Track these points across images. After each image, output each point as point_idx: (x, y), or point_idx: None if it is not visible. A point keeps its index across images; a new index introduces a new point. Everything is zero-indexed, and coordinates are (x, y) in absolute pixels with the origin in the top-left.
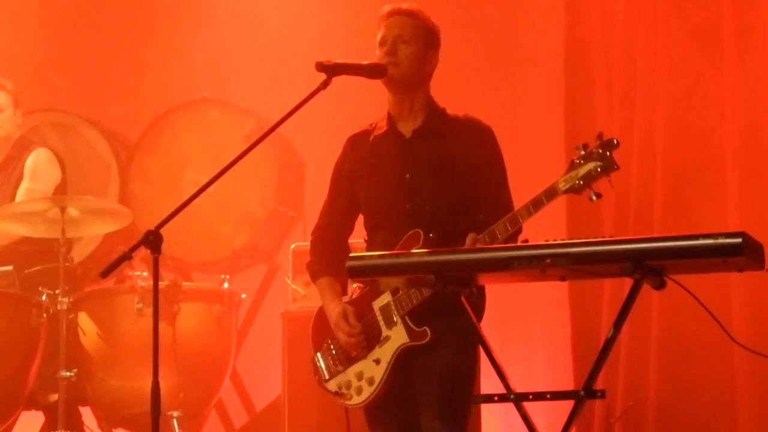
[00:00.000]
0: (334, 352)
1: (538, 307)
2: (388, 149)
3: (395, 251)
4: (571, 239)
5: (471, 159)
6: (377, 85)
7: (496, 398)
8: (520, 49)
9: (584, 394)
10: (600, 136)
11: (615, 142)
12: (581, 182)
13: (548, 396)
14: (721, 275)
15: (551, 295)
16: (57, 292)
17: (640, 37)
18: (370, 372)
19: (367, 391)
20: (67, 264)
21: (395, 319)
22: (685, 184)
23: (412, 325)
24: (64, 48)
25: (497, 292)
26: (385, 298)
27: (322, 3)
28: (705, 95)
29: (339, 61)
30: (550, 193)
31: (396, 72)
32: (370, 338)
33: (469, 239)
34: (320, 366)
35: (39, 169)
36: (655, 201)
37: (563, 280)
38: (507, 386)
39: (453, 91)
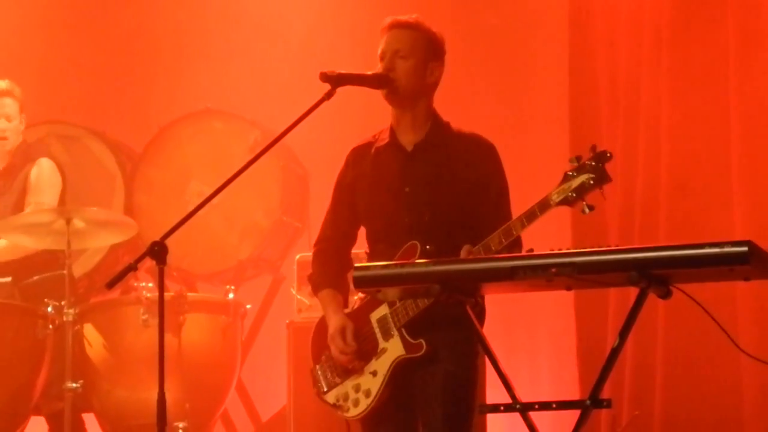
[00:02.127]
0: (332, 364)
1: (544, 317)
2: (389, 162)
3: (398, 261)
4: (577, 248)
5: (472, 174)
6: (381, 95)
7: (501, 408)
8: (525, 61)
9: (590, 403)
10: (593, 148)
11: (608, 154)
12: (574, 194)
13: (554, 406)
14: (727, 284)
15: (557, 305)
16: (63, 303)
17: (645, 48)
18: (367, 384)
19: (364, 404)
20: (65, 273)
21: (392, 331)
22: (691, 194)
23: (408, 338)
24: (69, 59)
25: (502, 301)
26: (383, 310)
27: (326, 14)
28: (710, 105)
29: (343, 71)
30: (543, 205)
31: (394, 87)
32: (368, 350)
33: (464, 251)
34: (319, 378)
35: (44, 181)
36: (660, 210)
37: (569, 289)
38: (513, 396)
39: (457, 102)
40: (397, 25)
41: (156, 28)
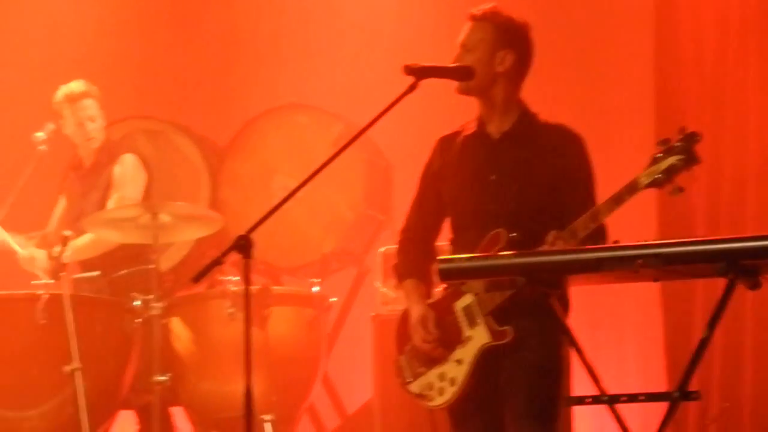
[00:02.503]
0: (416, 354)
1: (630, 308)
2: (476, 150)
3: (483, 253)
4: (663, 239)
5: (558, 165)
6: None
7: (588, 400)
8: (609, 50)
9: (678, 395)
10: (682, 129)
11: (697, 135)
12: (663, 176)
13: (642, 397)
14: None
15: (643, 296)
16: (150, 297)
17: (731, 35)
18: (452, 373)
19: (449, 392)
20: (152, 267)
21: (477, 319)
22: None
23: (494, 325)
24: (153, 55)
25: (588, 293)
26: (468, 299)
27: (411, 6)
28: None
29: (426, 64)
30: (631, 188)
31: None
32: (452, 339)
33: (550, 236)
34: (403, 368)
35: (127, 176)
36: (747, 200)
37: (655, 280)
38: (599, 388)
39: (541, 93)
40: (470, 18)
41: (240, 23)
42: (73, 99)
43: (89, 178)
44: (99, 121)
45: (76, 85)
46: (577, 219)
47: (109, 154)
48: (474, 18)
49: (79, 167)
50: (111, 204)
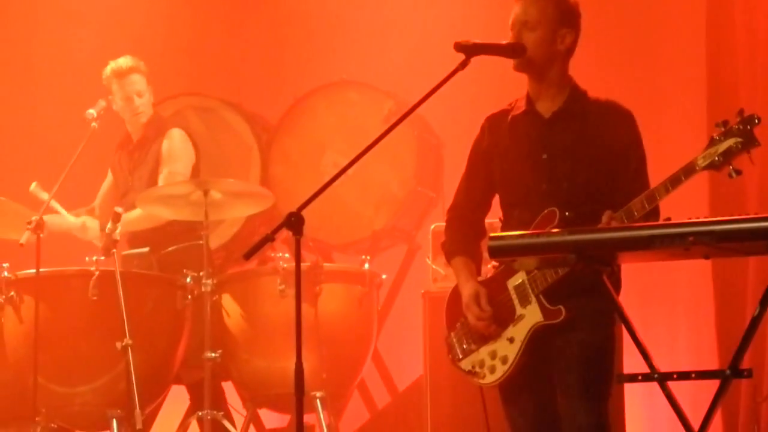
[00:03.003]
0: (467, 331)
1: (682, 286)
2: (527, 129)
3: (534, 231)
4: (715, 217)
5: (609, 142)
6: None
7: (639, 377)
8: (661, 30)
9: (730, 373)
10: (741, 112)
11: (756, 117)
12: (721, 158)
13: (693, 375)
14: None
15: (694, 274)
16: (201, 274)
17: None
18: (504, 351)
19: (501, 370)
20: (202, 243)
21: (530, 298)
22: None
23: (546, 304)
24: (204, 32)
25: (639, 270)
26: (520, 277)
27: None
28: None
29: (477, 41)
30: (689, 170)
31: (525, 57)
32: (504, 317)
33: (606, 216)
34: (454, 345)
35: (176, 150)
36: None
37: (707, 258)
38: (651, 365)
39: (592, 71)
40: None
41: (291, 0)
42: (120, 74)
43: (137, 153)
44: (146, 96)
45: (124, 61)
46: (633, 199)
47: (156, 129)
48: None
49: (128, 143)
50: (161, 179)
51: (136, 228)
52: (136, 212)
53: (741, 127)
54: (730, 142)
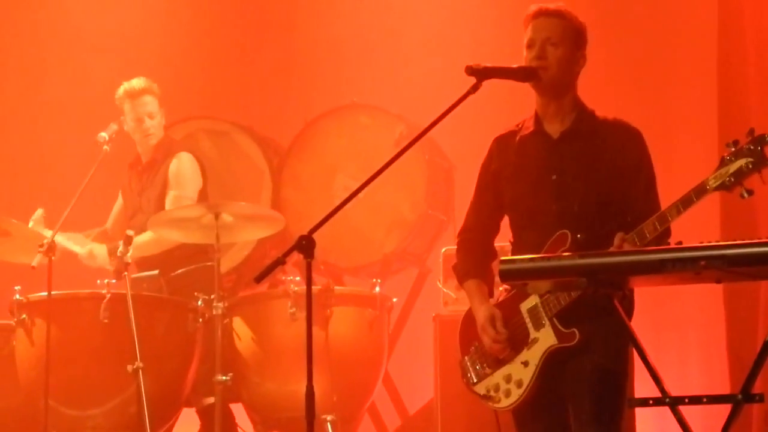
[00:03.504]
0: (481, 354)
1: (693, 310)
2: (535, 150)
3: (546, 254)
4: (727, 241)
5: (619, 162)
6: (526, 87)
7: (651, 402)
8: (673, 49)
9: (742, 398)
10: (751, 131)
11: (767, 137)
12: (732, 179)
13: (704, 400)
14: None
15: (706, 298)
16: (212, 297)
17: None
18: (519, 374)
19: (516, 394)
20: (212, 264)
21: (543, 321)
22: None
23: (560, 327)
24: (216, 56)
25: (652, 294)
26: (533, 300)
27: (471, 6)
28: None
29: (489, 64)
30: (700, 191)
31: (546, 75)
32: (518, 340)
33: (617, 239)
34: (468, 369)
35: (183, 174)
36: None
37: (718, 282)
38: (662, 390)
39: (602, 90)
40: (545, 13)
41: (302, 24)
42: (133, 95)
43: (146, 175)
44: (158, 118)
45: (137, 82)
46: (644, 219)
47: (166, 151)
48: (555, 14)
49: (137, 164)
50: (168, 202)
51: (147, 253)
52: (146, 236)
53: (752, 147)
54: (740, 162)
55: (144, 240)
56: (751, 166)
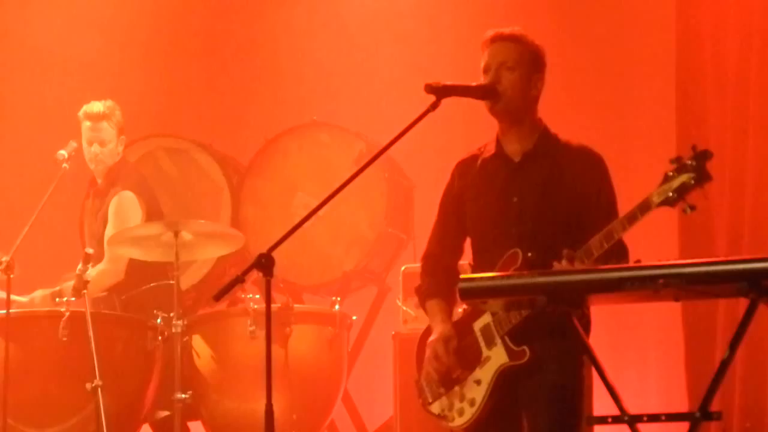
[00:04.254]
0: (436, 374)
1: (652, 328)
2: (497, 172)
3: (503, 272)
4: (685, 259)
5: (579, 187)
6: (486, 109)
7: (610, 419)
8: (631, 68)
9: (700, 415)
10: (694, 147)
11: (708, 153)
12: (675, 194)
13: (663, 417)
14: None
15: (665, 316)
16: (171, 315)
17: (754, 50)
18: (472, 393)
19: (469, 413)
20: (171, 282)
21: (495, 339)
22: None
23: (511, 345)
24: (175, 74)
25: (610, 312)
26: (485, 319)
27: (430, 26)
28: None
29: (448, 82)
30: (644, 207)
31: (501, 100)
32: (471, 359)
33: (564, 253)
34: (424, 388)
35: (121, 213)
36: None
37: (676, 300)
38: (621, 408)
39: (562, 111)
40: (501, 38)
41: (261, 42)
42: (90, 117)
43: (97, 201)
44: (110, 146)
45: (97, 106)
46: (592, 238)
47: (114, 178)
48: (510, 38)
49: (94, 184)
50: (105, 238)
51: (102, 286)
52: (97, 268)
53: (694, 162)
54: (683, 178)
55: (95, 274)
56: (693, 182)
